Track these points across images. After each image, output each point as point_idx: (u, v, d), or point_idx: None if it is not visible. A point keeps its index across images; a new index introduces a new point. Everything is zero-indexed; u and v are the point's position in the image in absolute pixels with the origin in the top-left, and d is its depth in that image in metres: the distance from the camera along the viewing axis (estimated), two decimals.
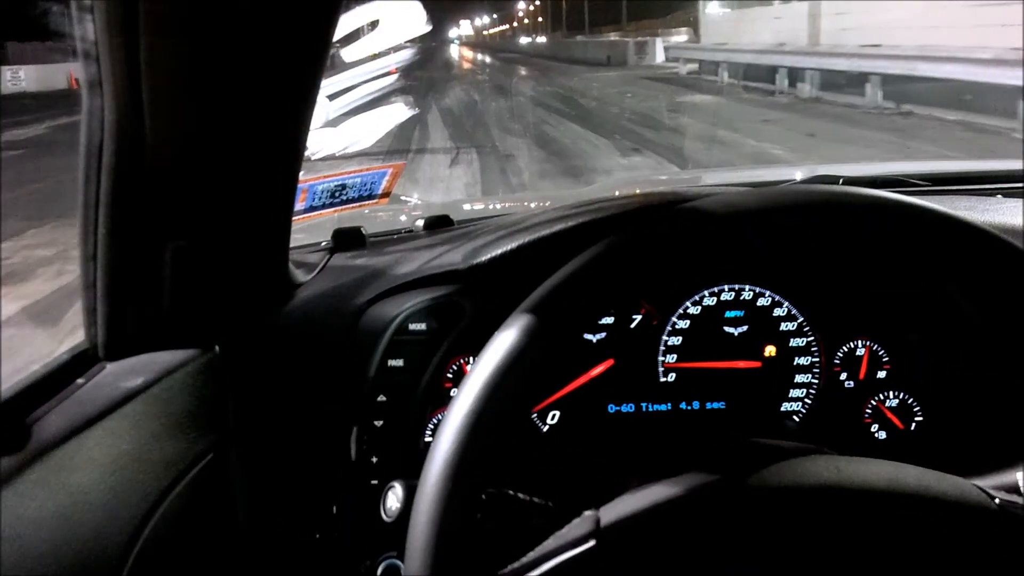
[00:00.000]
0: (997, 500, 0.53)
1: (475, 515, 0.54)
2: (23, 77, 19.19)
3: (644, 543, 0.53)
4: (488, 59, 31.20)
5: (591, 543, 0.53)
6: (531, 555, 0.55)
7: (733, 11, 18.69)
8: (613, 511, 0.55)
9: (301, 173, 0.75)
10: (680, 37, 20.95)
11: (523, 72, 22.66)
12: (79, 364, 0.74)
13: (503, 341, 0.54)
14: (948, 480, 0.55)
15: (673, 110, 11.46)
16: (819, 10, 14.52)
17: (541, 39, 32.40)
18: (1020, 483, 0.70)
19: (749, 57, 14.76)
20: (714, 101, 12.71)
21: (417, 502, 0.52)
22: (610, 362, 0.91)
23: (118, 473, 0.67)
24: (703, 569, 0.52)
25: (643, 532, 0.54)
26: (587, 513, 0.56)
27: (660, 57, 20.16)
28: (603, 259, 0.58)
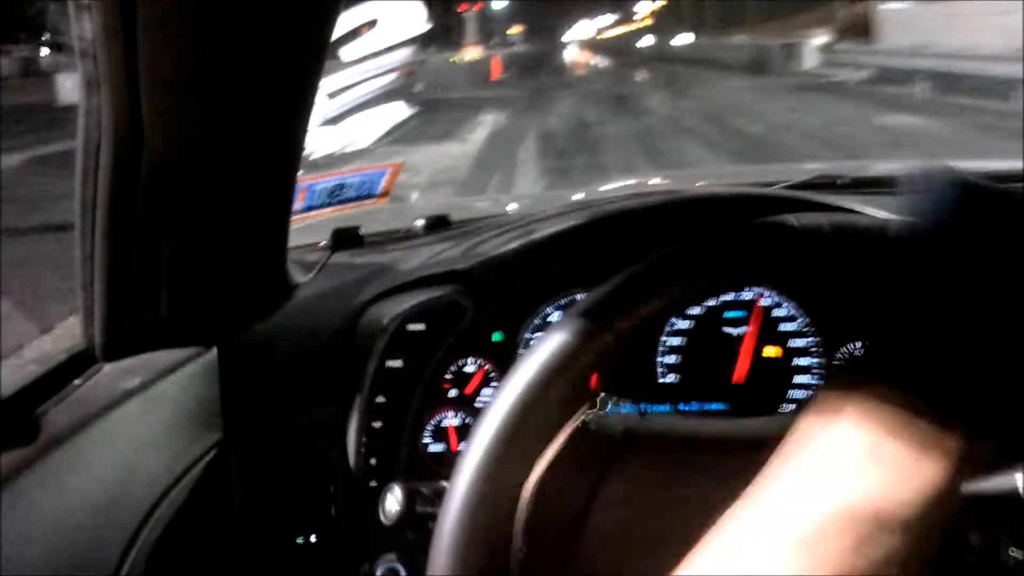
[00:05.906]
0: None
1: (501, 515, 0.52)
2: None
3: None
4: (609, 63, 28.06)
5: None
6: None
7: (942, 5, 13.53)
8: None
9: (300, 172, 0.74)
10: (816, 40, 17.52)
11: (652, 78, 18.59)
12: (76, 365, 0.73)
13: (555, 338, 0.51)
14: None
15: (891, 142, 7.54)
16: None
17: (674, 41, 31.43)
18: (1019, 484, 0.70)
19: (976, 66, 10.36)
20: (935, 128, 8.57)
21: (448, 501, 0.50)
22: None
23: (116, 475, 0.67)
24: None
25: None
26: None
27: (810, 62, 17.06)
28: (669, 262, 0.55)
